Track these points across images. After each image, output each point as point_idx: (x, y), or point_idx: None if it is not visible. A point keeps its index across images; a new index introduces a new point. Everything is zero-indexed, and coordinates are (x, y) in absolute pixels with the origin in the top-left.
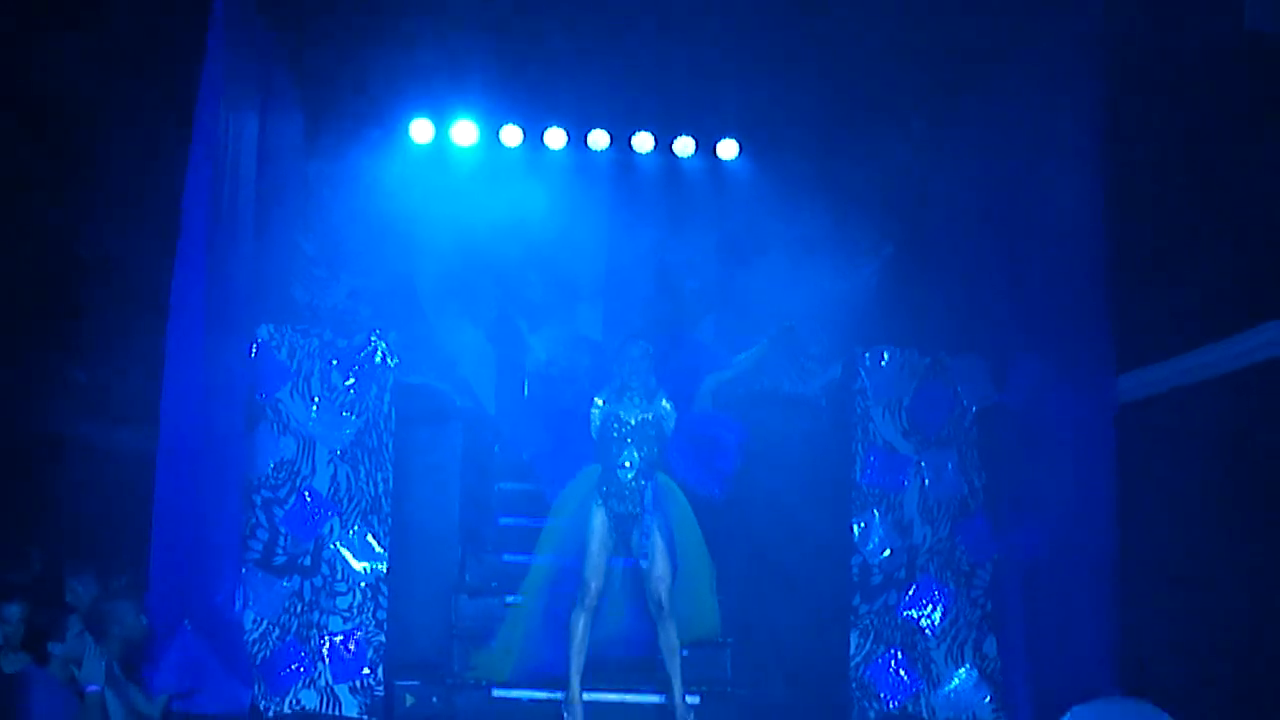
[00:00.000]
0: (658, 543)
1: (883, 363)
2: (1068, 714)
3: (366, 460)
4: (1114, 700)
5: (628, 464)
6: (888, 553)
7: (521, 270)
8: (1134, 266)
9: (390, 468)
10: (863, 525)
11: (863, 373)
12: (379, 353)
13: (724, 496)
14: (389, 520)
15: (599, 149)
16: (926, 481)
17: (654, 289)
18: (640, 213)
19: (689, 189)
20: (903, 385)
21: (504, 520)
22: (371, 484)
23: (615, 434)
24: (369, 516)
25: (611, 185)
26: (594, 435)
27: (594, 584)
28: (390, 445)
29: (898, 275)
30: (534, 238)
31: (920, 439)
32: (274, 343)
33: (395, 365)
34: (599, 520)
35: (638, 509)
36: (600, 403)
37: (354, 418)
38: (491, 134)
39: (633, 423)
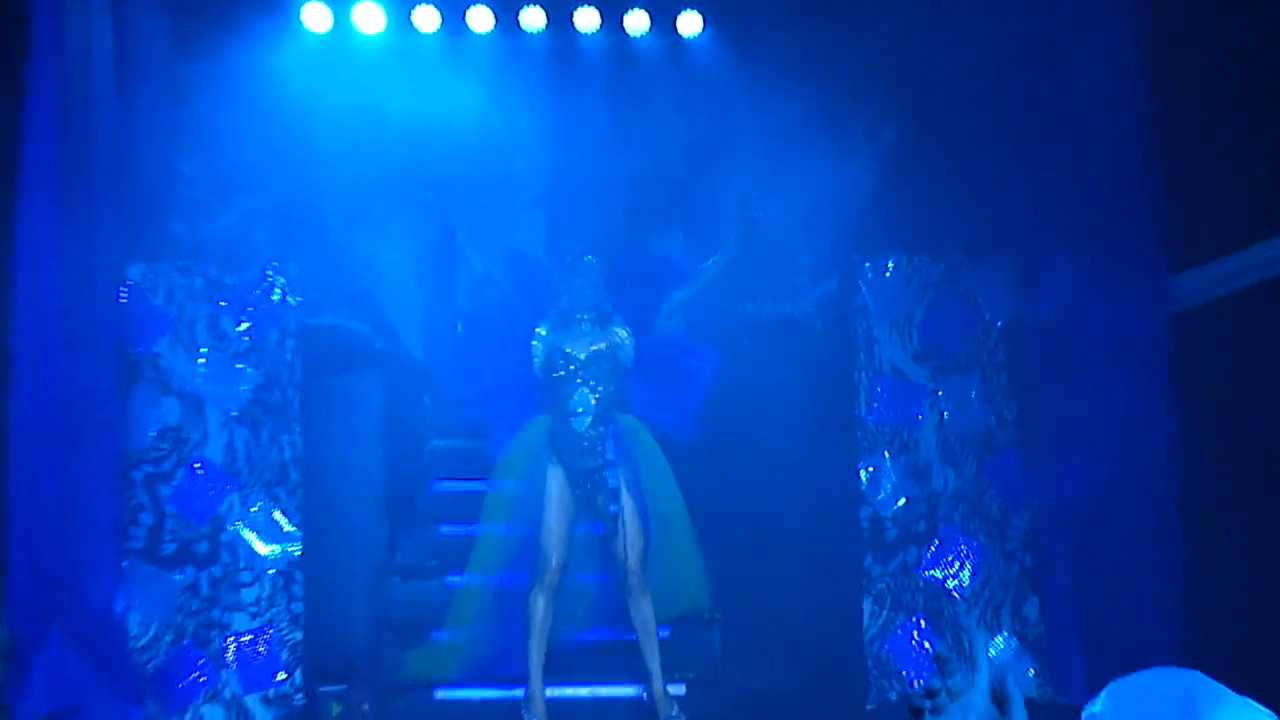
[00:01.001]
0: (626, 502)
1: (887, 273)
2: (1103, 692)
3: (268, 421)
4: (1158, 673)
5: (581, 409)
6: (902, 502)
7: (448, 181)
8: (1183, 149)
9: (298, 429)
10: (871, 470)
11: (864, 286)
12: (277, 289)
13: (698, 438)
14: (299, 493)
15: (534, 30)
16: (945, 414)
17: (606, 196)
18: (587, 105)
19: (645, 74)
20: (912, 299)
21: (440, 485)
22: (276, 449)
23: (563, 372)
24: (275, 489)
25: (551, 73)
26: (538, 374)
27: (554, 557)
28: (296, 402)
29: (901, 166)
30: (461, 141)
31: (936, 363)
32: (147, 284)
33: (299, 304)
34: (555, 480)
35: (599, 462)
36: (543, 333)
37: (251, 370)
38: (402, 17)
39: (582, 357)
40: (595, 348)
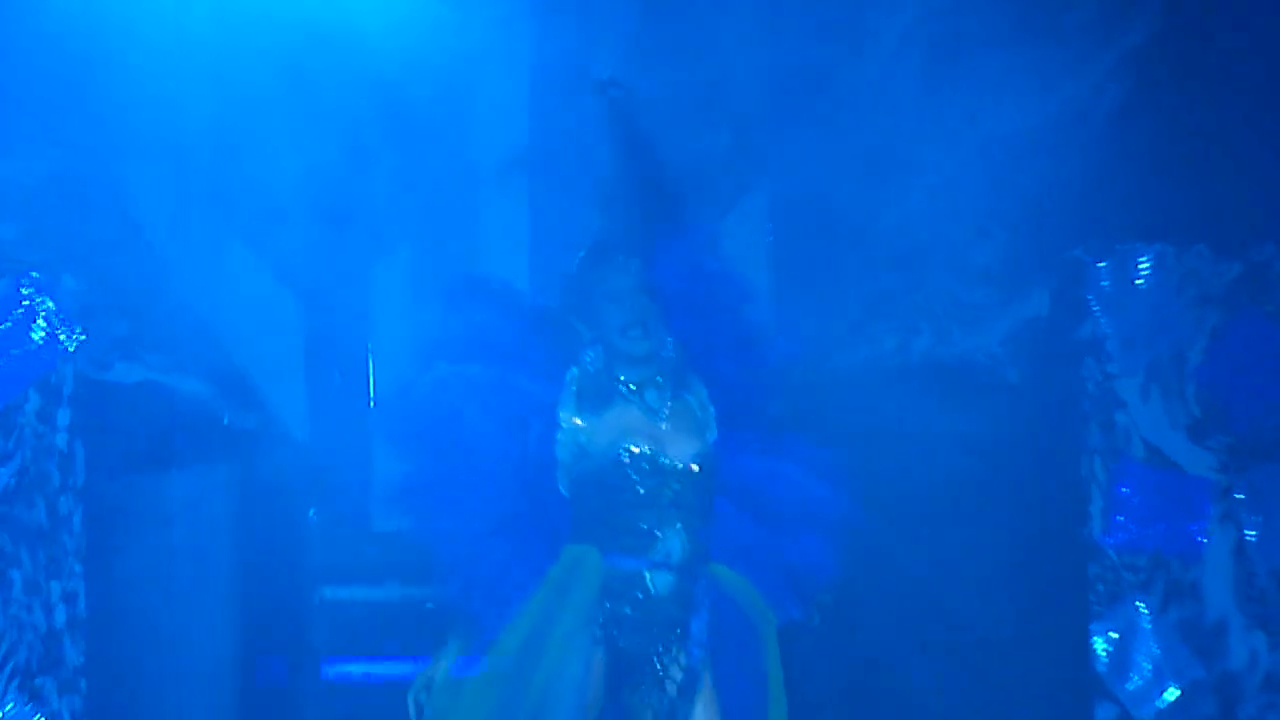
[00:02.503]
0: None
1: (1138, 279)
2: None
3: (24, 557)
4: None
5: (665, 557)
6: (1173, 695)
7: (355, 130)
8: None
9: (79, 570)
10: (1116, 638)
11: (1095, 304)
12: (40, 321)
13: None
14: (82, 685)
15: None
16: (1250, 534)
17: (625, 144)
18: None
19: None
20: (1186, 326)
21: (339, 670)
22: (40, 608)
23: (632, 493)
24: (36, 680)
25: None
26: (567, 494)
27: None
28: (77, 520)
29: (1154, 100)
30: (366, 70)
31: (1230, 441)
32: None
33: (78, 347)
34: (592, 668)
35: (673, 646)
36: (578, 422)
37: None
38: None
39: (669, 462)
40: (686, 444)
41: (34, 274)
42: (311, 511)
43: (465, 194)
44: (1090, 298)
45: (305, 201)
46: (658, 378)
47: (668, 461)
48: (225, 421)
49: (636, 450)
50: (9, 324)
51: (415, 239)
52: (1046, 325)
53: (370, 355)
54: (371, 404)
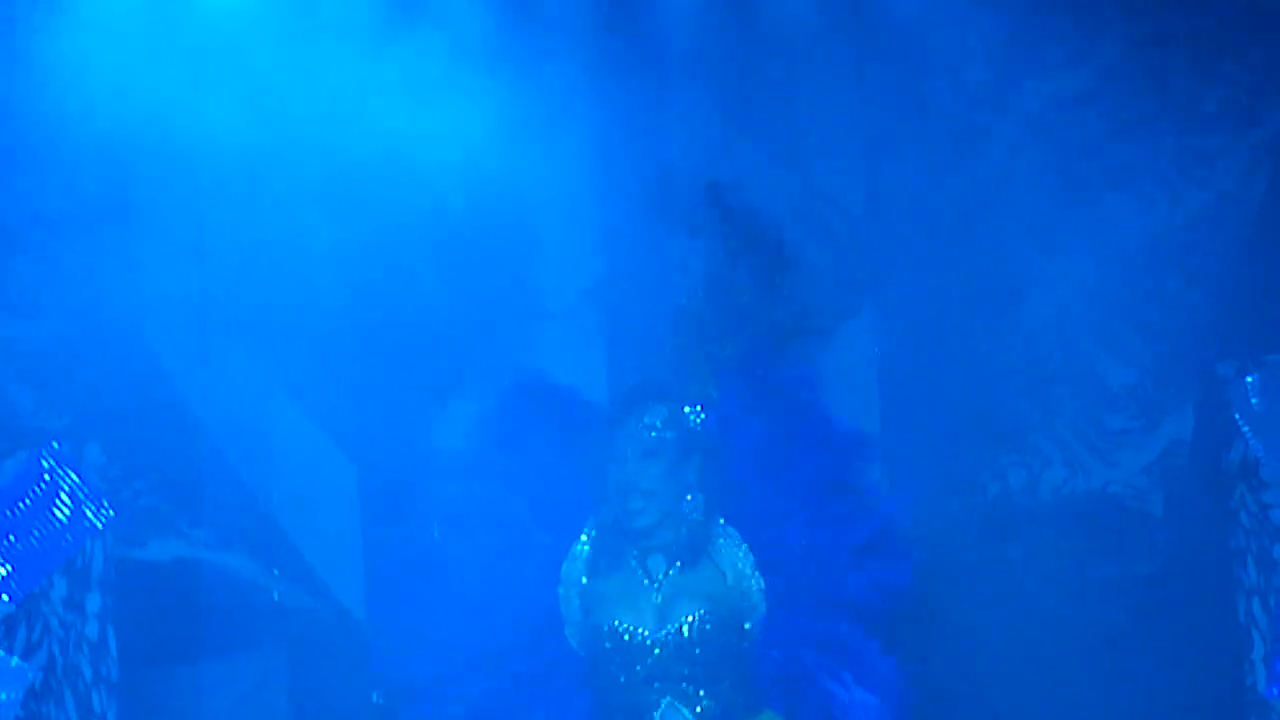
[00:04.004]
0: None
1: None
2: None
3: None
4: None
5: None
6: None
7: (400, 275)
8: None
9: None
10: None
11: (1243, 424)
12: (64, 497)
13: None
14: None
15: None
16: None
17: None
18: (651, 75)
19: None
20: None
21: None
22: None
23: (627, 672)
24: None
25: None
26: (580, 648)
27: None
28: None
29: None
30: (424, 204)
31: None
32: None
33: (107, 524)
34: None
35: None
36: (584, 581)
37: (15, 663)
38: None
39: (652, 644)
40: (682, 622)
41: (55, 444)
42: (375, 696)
43: (533, 333)
44: (1239, 417)
45: (359, 350)
46: (668, 545)
47: (647, 635)
48: (275, 599)
49: (617, 624)
50: (29, 501)
51: (480, 386)
52: (1191, 450)
53: (435, 521)
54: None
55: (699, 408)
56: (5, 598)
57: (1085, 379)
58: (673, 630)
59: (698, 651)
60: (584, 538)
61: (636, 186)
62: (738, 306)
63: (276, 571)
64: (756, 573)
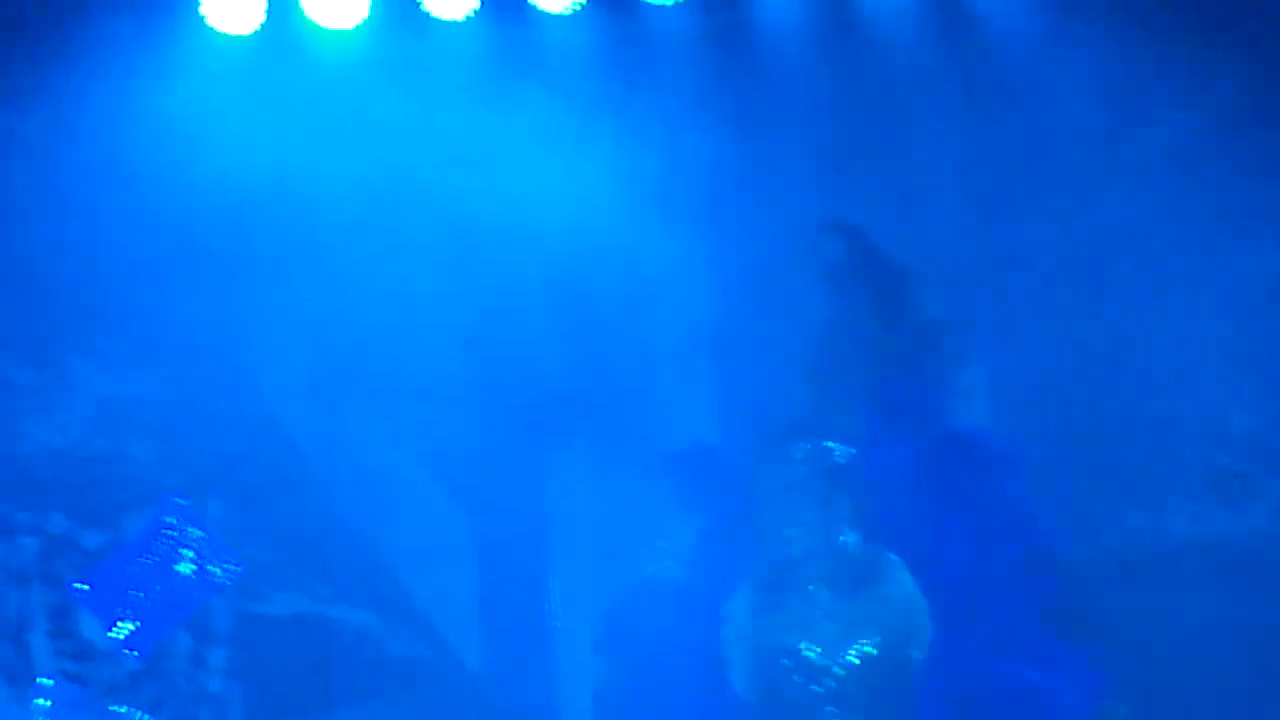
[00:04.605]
0: None
1: None
2: None
3: None
4: None
5: None
6: None
7: (510, 322)
8: None
9: None
10: None
11: None
12: (188, 553)
13: None
14: None
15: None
16: None
17: (839, 299)
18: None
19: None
20: None
21: None
22: None
23: (797, 689)
24: None
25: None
26: (742, 693)
27: None
28: None
29: None
30: (534, 252)
31: None
32: None
33: (232, 580)
34: None
35: None
36: (749, 618)
37: (140, 718)
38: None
39: (833, 667)
40: (860, 648)
41: (179, 499)
42: None
43: (647, 382)
44: None
45: (472, 399)
46: (832, 574)
47: (832, 660)
48: (394, 652)
49: (799, 648)
50: (154, 558)
51: (593, 432)
52: None
53: (551, 572)
54: (557, 623)
55: (839, 439)
56: (131, 653)
57: (1206, 423)
58: (852, 656)
59: (874, 677)
60: (740, 593)
61: (749, 234)
62: (862, 344)
63: (395, 624)
64: (920, 596)
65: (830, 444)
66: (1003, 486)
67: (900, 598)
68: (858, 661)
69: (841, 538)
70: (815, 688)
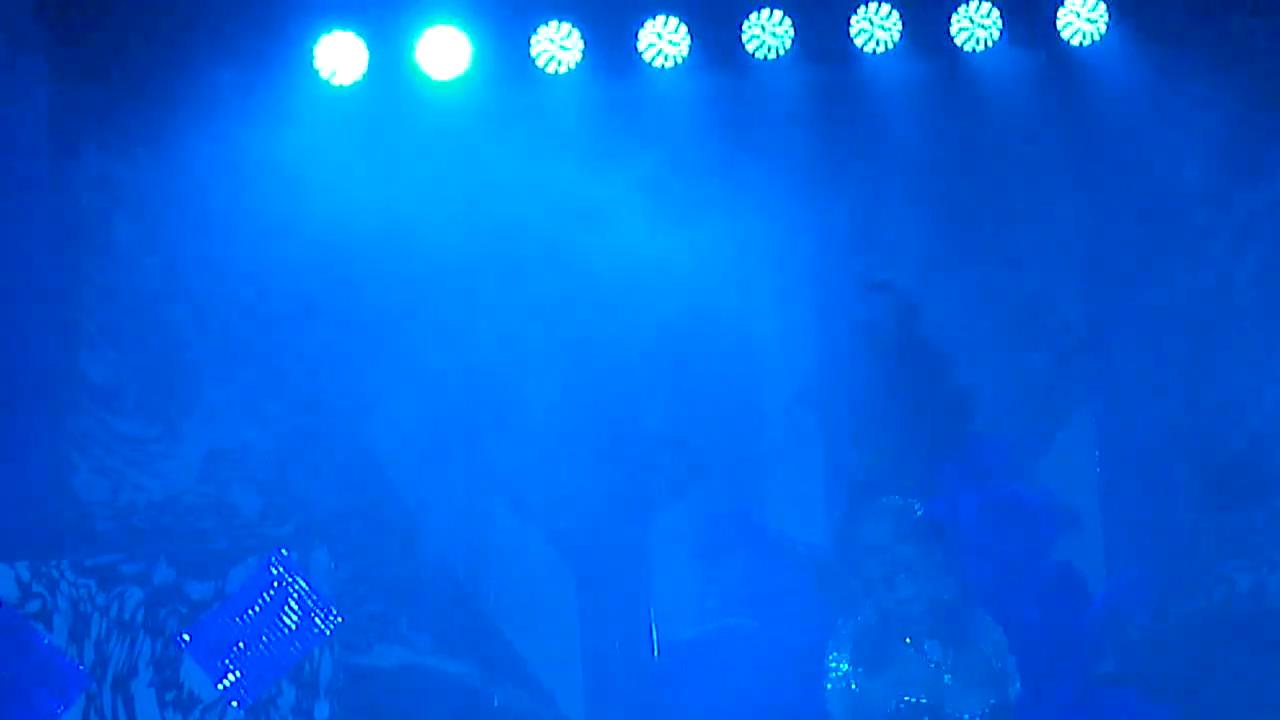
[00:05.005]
0: None
1: None
2: None
3: None
4: None
5: None
6: None
7: (617, 376)
8: None
9: None
10: None
11: None
12: (292, 604)
13: None
14: None
15: (767, 55)
16: None
17: (896, 355)
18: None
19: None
20: None
21: None
22: None
23: None
24: None
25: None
26: None
27: None
28: None
29: None
30: (640, 309)
31: None
32: (36, 601)
33: (335, 630)
34: None
35: None
36: (843, 668)
37: None
38: (501, 46)
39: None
40: (974, 696)
41: (284, 551)
42: None
43: (750, 437)
44: None
45: (576, 453)
46: (937, 627)
47: (953, 715)
48: (495, 704)
49: (914, 701)
50: (259, 608)
51: (696, 486)
52: None
53: (653, 623)
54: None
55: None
56: (235, 705)
57: None
58: (963, 711)
59: None
60: (841, 648)
61: (851, 295)
62: (943, 405)
63: (497, 675)
64: (1008, 653)
65: (913, 500)
66: (1068, 550)
67: (996, 653)
68: (967, 717)
69: (944, 591)
70: None
